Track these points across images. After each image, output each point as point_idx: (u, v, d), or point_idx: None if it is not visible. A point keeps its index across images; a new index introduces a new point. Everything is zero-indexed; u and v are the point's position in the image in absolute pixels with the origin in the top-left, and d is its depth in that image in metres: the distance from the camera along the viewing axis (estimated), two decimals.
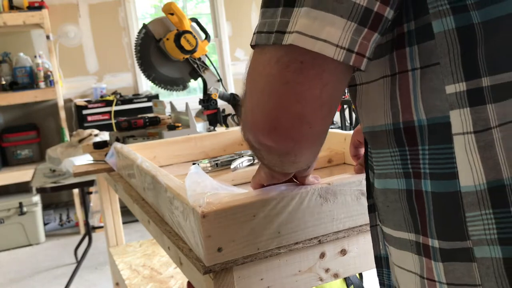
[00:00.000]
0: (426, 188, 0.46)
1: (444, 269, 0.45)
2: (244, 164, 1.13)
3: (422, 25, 0.45)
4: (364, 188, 0.74)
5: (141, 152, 1.23)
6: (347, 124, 4.52)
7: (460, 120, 0.43)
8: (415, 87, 0.46)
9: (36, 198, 3.46)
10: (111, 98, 3.76)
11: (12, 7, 3.48)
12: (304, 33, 0.42)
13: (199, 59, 1.79)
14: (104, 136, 2.25)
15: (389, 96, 0.48)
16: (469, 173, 0.43)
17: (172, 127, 1.63)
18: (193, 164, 1.11)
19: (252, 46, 0.47)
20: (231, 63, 4.48)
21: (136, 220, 2.80)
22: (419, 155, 0.47)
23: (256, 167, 0.72)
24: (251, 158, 1.15)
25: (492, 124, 0.42)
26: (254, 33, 0.47)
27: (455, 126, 0.43)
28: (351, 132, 1.17)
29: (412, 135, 0.47)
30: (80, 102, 3.74)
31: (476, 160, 0.42)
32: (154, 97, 3.82)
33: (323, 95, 0.44)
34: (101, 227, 3.25)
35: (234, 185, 1.05)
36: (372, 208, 0.61)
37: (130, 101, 3.78)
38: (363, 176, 0.75)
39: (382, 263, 0.61)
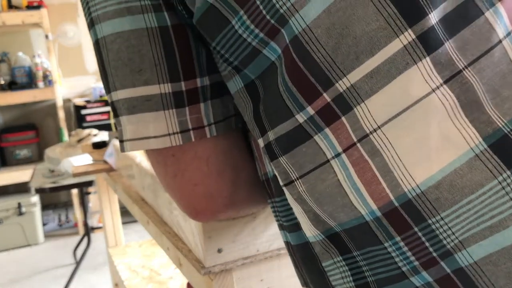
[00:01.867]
0: (290, 240, 0.45)
1: None
2: None
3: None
4: None
5: (140, 152, 1.23)
6: None
7: (276, 172, 0.41)
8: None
9: (35, 199, 3.45)
10: None
11: (11, 7, 3.47)
12: (134, 138, 0.44)
13: None
14: (103, 136, 2.24)
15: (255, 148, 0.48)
16: (304, 224, 0.41)
17: None
18: None
19: None
20: None
21: (136, 221, 2.80)
22: (276, 207, 0.46)
23: None
24: None
25: (293, 176, 0.39)
26: None
27: (279, 178, 0.42)
28: None
29: (269, 186, 0.46)
30: (79, 102, 3.73)
31: (302, 211, 0.40)
32: None
33: (213, 167, 0.46)
34: (100, 227, 3.24)
35: None
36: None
37: None
38: None
39: None
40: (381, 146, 0.35)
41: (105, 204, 1.87)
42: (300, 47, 0.36)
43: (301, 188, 0.39)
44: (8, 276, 2.95)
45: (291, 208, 0.43)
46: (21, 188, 3.50)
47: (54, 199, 3.95)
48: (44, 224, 3.62)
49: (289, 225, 0.44)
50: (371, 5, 0.34)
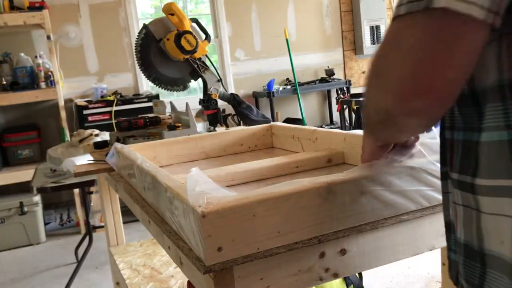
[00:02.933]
0: None
1: None
2: None
3: None
4: (365, 186, 0.75)
5: (141, 152, 1.24)
6: (346, 124, 4.52)
7: None
8: None
9: (37, 198, 3.46)
10: (111, 98, 3.76)
11: (12, 7, 3.49)
12: None
13: (199, 59, 1.79)
14: (105, 136, 2.25)
15: (496, 55, 0.51)
16: None
17: (172, 127, 1.63)
18: None
19: (395, 18, 0.50)
20: (231, 63, 4.48)
21: (137, 220, 2.80)
22: None
23: None
24: None
25: None
26: (400, 5, 0.50)
27: None
28: (351, 132, 1.17)
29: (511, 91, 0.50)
30: (81, 102, 3.74)
31: None
32: (155, 97, 3.83)
33: (473, 59, 0.48)
34: (102, 226, 3.25)
35: (234, 185, 1.05)
36: (446, 176, 0.63)
37: (130, 101, 3.78)
38: (363, 175, 0.75)
39: (451, 229, 0.64)
40: None
41: (106, 204, 1.88)
42: None
43: None
44: (10, 275, 2.96)
45: None
46: (23, 188, 3.51)
47: (55, 198, 3.96)
48: (46, 224, 3.63)
49: None
50: None
